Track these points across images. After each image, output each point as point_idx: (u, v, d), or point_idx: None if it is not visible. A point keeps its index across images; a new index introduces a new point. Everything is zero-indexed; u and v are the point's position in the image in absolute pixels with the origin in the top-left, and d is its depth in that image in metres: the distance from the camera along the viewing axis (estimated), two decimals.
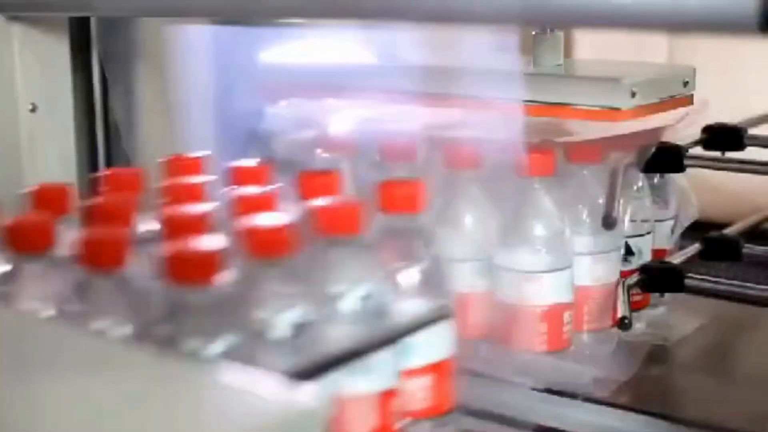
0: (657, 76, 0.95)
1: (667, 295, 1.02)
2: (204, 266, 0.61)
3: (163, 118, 1.20)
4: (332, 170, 0.80)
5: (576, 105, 0.93)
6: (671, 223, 1.06)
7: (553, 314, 0.91)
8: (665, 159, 0.97)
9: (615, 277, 0.96)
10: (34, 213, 0.73)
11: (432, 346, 0.75)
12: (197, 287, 0.61)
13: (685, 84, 0.97)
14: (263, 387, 0.52)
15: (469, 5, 0.72)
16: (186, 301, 0.61)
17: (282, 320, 0.64)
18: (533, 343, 0.91)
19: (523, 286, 0.90)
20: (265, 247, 0.65)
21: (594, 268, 0.94)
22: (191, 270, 0.61)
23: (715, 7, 0.62)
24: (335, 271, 0.69)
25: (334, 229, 0.70)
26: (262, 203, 0.73)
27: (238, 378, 0.53)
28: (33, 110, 1.07)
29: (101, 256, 0.64)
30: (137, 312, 0.64)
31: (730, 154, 1.06)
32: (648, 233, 1.01)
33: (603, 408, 0.87)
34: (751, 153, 1.08)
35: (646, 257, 1.01)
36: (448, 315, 0.75)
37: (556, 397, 0.87)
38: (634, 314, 0.95)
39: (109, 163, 1.19)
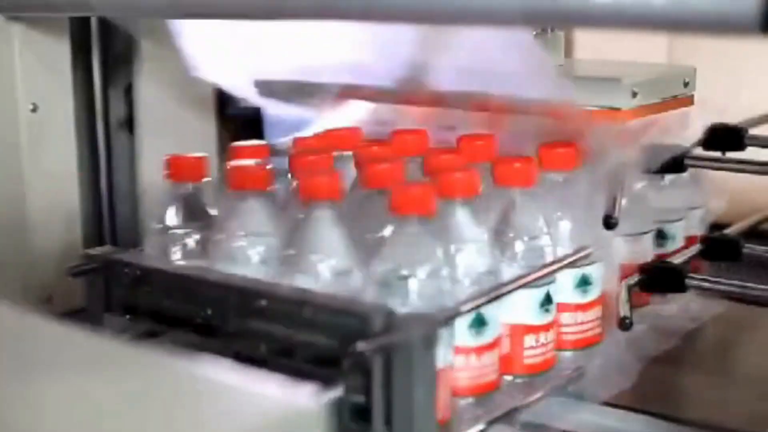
0: (658, 76, 0.95)
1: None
2: (422, 200, 0.76)
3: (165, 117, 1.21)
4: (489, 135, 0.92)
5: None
6: (702, 211, 1.08)
7: None
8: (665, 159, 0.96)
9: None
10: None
11: (590, 284, 0.88)
12: (414, 219, 0.76)
13: (686, 84, 0.97)
14: (263, 387, 0.52)
15: (469, 5, 0.72)
16: (403, 231, 0.76)
17: (466, 254, 0.79)
18: None
19: None
20: (459, 190, 0.79)
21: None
22: (411, 203, 0.76)
23: (715, 7, 0.62)
24: (508, 217, 0.84)
25: (509, 182, 0.84)
26: (453, 162, 0.87)
27: (238, 378, 0.53)
28: (33, 110, 1.07)
29: (321, 191, 0.79)
30: (350, 241, 0.78)
31: (730, 154, 1.06)
32: (680, 219, 1.04)
33: (603, 408, 0.87)
34: (751, 153, 1.09)
35: (679, 243, 1.03)
36: (601, 258, 0.89)
37: (556, 397, 0.87)
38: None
39: (109, 163, 1.19)
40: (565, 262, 0.86)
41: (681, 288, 0.96)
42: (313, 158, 0.89)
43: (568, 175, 0.89)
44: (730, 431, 0.86)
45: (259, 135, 1.25)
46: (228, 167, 0.84)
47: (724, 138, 1.02)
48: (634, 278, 0.95)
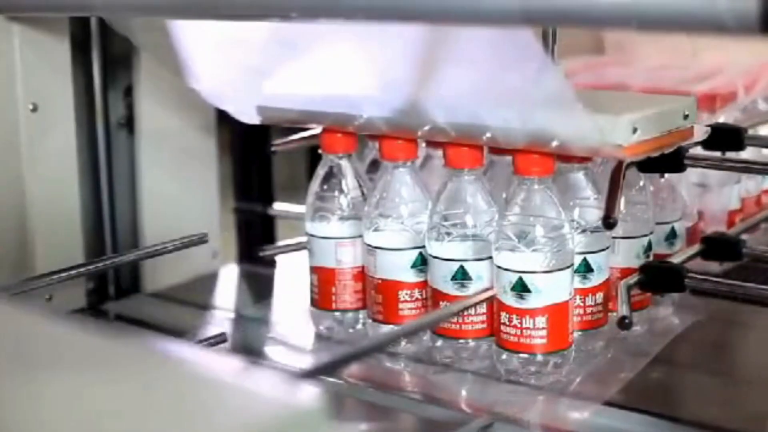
0: (658, 110, 0.93)
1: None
2: (544, 163, 0.90)
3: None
4: None
5: None
6: None
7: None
8: (665, 159, 0.96)
9: None
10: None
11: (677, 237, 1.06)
12: (536, 179, 0.90)
13: (686, 117, 0.95)
14: (264, 386, 0.52)
15: (469, 4, 0.72)
16: (532, 189, 0.90)
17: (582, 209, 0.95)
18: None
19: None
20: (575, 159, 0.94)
21: None
22: (536, 165, 0.90)
23: (716, 7, 0.62)
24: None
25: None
26: None
27: (239, 377, 0.53)
28: (33, 110, 1.07)
29: (466, 160, 0.93)
30: (493, 202, 0.94)
31: (730, 154, 1.06)
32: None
33: (603, 408, 0.87)
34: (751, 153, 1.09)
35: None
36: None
37: (556, 397, 0.87)
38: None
39: (109, 163, 1.19)
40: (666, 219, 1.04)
41: (680, 288, 0.96)
42: None
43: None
44: (730, 431, 0.86)
45: (259, 135, 1.25)
46: (381, 141, 0.98)
47: (724, 138, 1.02)
48: (634, 278, 0.95)
